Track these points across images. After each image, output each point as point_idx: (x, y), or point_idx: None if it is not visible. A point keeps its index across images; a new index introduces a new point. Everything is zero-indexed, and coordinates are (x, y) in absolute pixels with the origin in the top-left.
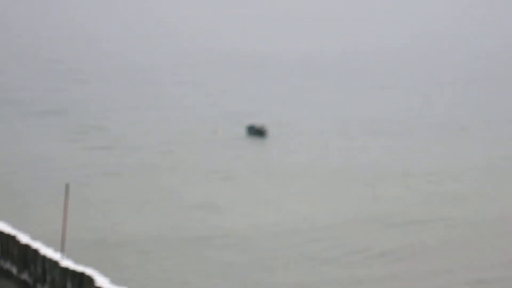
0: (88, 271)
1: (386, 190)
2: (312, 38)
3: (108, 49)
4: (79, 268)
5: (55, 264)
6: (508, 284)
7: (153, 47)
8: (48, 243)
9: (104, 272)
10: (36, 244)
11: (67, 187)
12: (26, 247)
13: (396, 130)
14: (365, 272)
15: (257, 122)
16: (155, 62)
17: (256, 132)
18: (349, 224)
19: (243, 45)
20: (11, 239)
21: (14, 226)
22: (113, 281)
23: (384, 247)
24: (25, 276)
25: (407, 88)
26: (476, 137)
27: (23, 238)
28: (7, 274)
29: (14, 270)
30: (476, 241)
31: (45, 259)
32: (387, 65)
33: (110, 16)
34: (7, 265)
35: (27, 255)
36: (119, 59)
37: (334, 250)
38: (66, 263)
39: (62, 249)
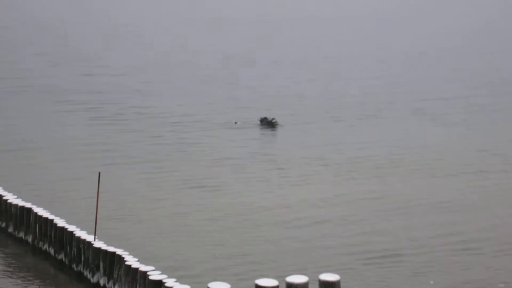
0: (119, 251)
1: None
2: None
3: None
4: (111, 248)
5: (88, 245)
6: None
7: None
8: (82, 227)
9: (133, 252)
10: (71, 227)
11: (99, 175)
12: (62, 230)
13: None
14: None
15: (269, 114)
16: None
17: (268, 123)
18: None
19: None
20: (49, 222)
21: (52, 211)
22: (142, 260)
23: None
24: (61, 256)
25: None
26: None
27: (60, 222)
28: (45, 254)
29: (51, 251)
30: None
31: (79, 241)
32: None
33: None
34: (45, 247)
35: (63, 237)
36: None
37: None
38: (98, 244)
39: (95, 232)
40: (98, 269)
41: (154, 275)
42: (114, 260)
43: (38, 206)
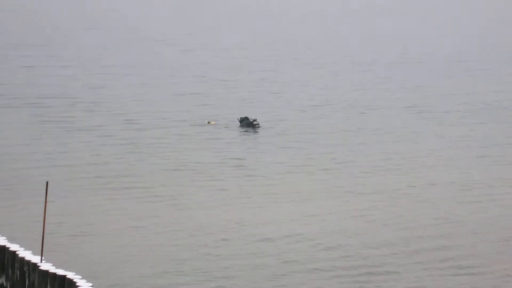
0: (70, 274)
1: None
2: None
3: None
4: (60, 271)
5: (34, 267)
6: None
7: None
8: (26, 245)
9: (87, 276)
10: (13, 246)
11: (47, 184)
12: (3, 249)
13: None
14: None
15: (250, 114)
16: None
17: (248, 124)
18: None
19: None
20: None
21: None
22: (96, 285)
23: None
24: (1, 280)
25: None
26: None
27: (0, 240)
28: None
29: None
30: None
31: (23, 262)
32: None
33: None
34: None
35: (4, 258)
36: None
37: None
38: (46, 266)
39: (41, 251)
40: None
41: None
42: (64, 284)
43: None
